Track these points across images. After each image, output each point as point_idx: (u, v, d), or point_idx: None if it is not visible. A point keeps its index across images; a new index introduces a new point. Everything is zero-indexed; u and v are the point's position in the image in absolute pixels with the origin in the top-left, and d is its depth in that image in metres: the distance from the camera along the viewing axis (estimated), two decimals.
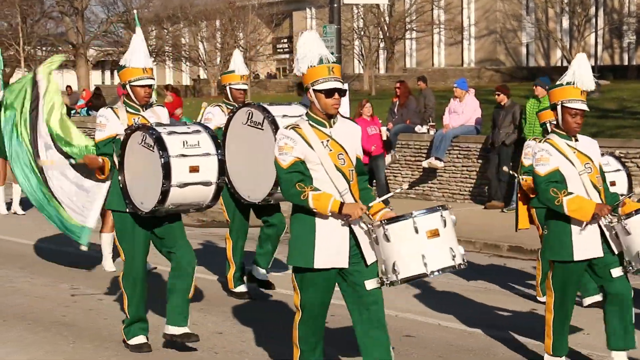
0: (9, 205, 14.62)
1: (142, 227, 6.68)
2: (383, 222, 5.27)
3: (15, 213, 14.41)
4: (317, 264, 5.32)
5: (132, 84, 6.73)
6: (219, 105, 8.76)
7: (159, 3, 49.16)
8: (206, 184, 6.43)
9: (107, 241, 9.84)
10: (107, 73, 61.74)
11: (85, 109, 28.38)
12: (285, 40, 57.61)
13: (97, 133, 6.82)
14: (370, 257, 5.38)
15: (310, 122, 5.39)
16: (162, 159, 6.17)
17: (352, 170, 5.41)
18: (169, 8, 48.55)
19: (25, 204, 14.52)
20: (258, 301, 8.69)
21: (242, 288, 8.74)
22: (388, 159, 15.54)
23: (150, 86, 6.78)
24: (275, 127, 7.37)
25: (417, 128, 16.92)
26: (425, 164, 16.01)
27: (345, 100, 14.50)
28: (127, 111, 6.79)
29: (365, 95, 37.06)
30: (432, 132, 16.40)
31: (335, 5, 15.07)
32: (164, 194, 6.22)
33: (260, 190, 7.90)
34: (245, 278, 8.84)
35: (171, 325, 6.65)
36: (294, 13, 55.87)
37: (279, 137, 5.40)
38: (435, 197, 16.34)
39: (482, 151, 15.44)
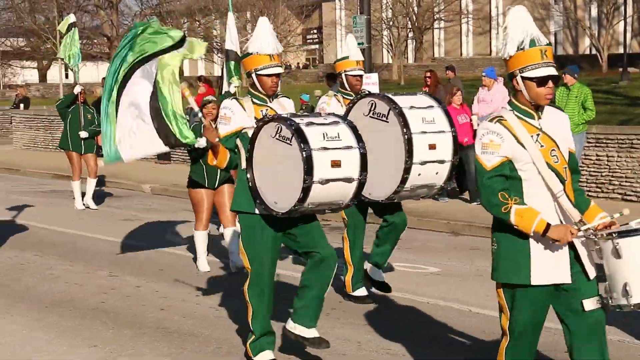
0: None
1: (273, 230, 5.96)
2: (613, 234, 4.45)
3: (88, 207, 14.29)
4: (535, 280, 4.52)
5: (258, 72, 6.04)
6: (335, 95, 8.04)
7: None
8: (348, 180, 5.69)
9: (201, 239, 9.43)
10: None
11: None
12: (315, 31, 57.56)
13: (221, 127, 6.07)
14: (592, 272, 4.60)
15: (516, 112, 4.57)
16: (304, 152, 5.45)
17: (565, 167, 4.60)
18: (201, 0, 48.64)
19: (98, 198, 14.78)
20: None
21: (361, 291, 8.07)
22: None
23: (278, 75, 6.08)
24: (402, 119, 6.56)
25: None
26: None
27: (375, 89, 14.50)
28: (253, 102, 6.11)
29: (394, 84, 36.97)
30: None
31: None
32: (305, 191, 5.50)
33: (383, 189, 6.92)
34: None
35: (299, 324, 6.00)
36: (324, 4, 55.77)
37: (482, 132, 4.54)
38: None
39: None
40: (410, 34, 46.81)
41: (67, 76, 45.92)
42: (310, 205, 5.61)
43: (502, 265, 4.59)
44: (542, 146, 4.52)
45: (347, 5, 51.39)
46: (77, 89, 13.97)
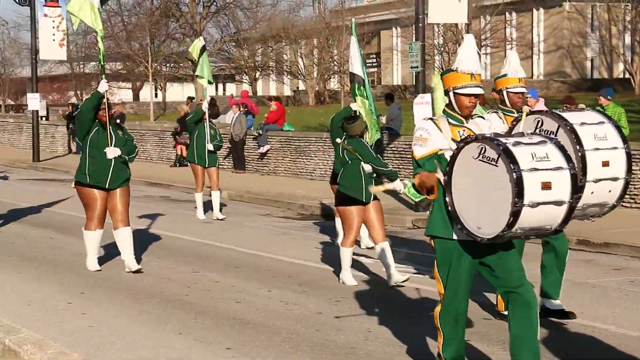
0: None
1: (470, 257, 5.19)
2: None
3: (217, 219, 13.70)
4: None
5: (456, 90, 5.30)
6: (496, 112, 7.05)
7: (265, 25, 49.54)
8: (558, 203, 4.84)
9: (347, 255, 8.67)
10: (220, 86, 62.57)
11: None
12: (374, 56, 57.43)
13: (417, 148, 5.29)
14: None
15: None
16: (514, 174, 4.68)
17: None
18: (274, 29, 48.90)
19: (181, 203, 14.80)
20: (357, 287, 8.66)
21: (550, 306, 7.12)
22: None
23: (477, 96, 5.31)
24: (575, 135, 5.67)
25: None
26: None
27: (428, 108, 14.38)
28: (450, 123, 5.30)
29: None
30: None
31: (420, 24, 14.92)
32: (515, 215, 4.72)
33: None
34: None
35: None
36: (382, 32, 55.65)
37: None
38: None
39: None
40: None
41: (156, 95, 46.53)
42: (518, 230, 4.82)
43: None
44: None
45: (403, 33, 51.21)
46: (204, 106, 13.74)
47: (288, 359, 6.08)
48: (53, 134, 31.09)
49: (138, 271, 9.04)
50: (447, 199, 5.07)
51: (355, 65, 10.80)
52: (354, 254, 8.91)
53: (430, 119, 5.42)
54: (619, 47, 44.37)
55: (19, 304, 7.57)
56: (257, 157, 21.98)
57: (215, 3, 46.93)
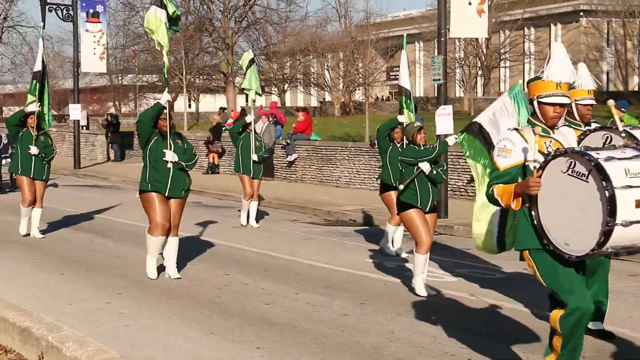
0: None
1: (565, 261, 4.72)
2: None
3: (251, 226, 13.43)
4: None
5: (540, 99, 4.90)
6: (568, 125, 6.26)
7: (293, 39, 49.64)
8: None
9: (421, 261, 8.28)
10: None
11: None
12: (397, 69, 57.40)
13: (501, 160, 4.90)
14: None
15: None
16: (606, 191, 4.29)
17: None
18: (302, 43, 48.98)
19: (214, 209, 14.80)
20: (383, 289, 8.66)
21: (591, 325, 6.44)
22: None
23: (562, 105, 4.90)
24: None
25: None
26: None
27: (450, 119, 14.35)
28: (535, 133, 4.81)
29: (465, 115, 36.58)
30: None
31: (442, 39, 14.89)
32: (606, 234, 4.33)
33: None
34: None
35: None
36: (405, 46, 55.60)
37: None
38: None
39: None
40: (480, 72, 46.34)
41: (190, 106, 46.76)
42: (609, 249, 4.44)
43: None
44: None
45: (425, 47, 51.15)
46: (248, 118, 13.62)
47: (315, 358, 6.09)
48: (93, 143, 31.39)
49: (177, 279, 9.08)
50: (533, 212, 4.72)
51: (404, 79, 10.74)
52: (379, 255, 8.89)
53: (515, 129, 5.05)
54: (634, 61, 44.04)
55: (61, 304, 7.65)
56: (285, 165, 22.03)
57: (246, 18, 47.10)
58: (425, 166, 8.32)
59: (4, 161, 18.28)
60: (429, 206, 8.41)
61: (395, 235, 10.66)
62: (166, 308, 7.60)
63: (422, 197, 8.35)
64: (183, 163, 8.90)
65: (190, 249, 11.14)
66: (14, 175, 12.66)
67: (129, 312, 7.37)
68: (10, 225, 13.12)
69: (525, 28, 48.43)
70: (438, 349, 6.32)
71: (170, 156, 8.75)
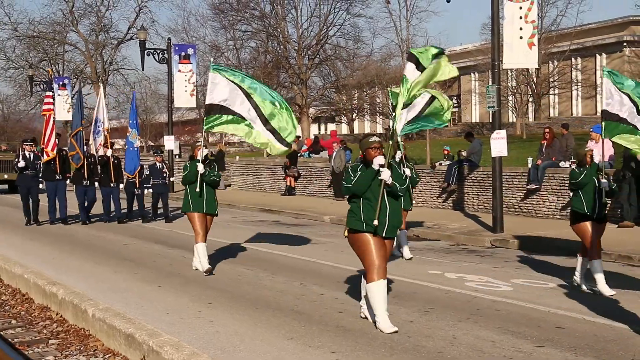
0: None
1: None
2: None
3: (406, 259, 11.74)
4: None
5: None
6: None
7: (361, 73, 49.76)
8: None
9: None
10: (322, 126, 63.06)
11: (307, 152, 29.14)
12: (455, 97, 56.87)
13: None
14: None
15: None
16: None
17: None
18: (368, 76, 49.07)
19: (289, 226, 14.85)
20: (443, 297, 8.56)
21: None
22: None
23: None
24: None
25: (561, 164, 16.28)
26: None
27: (504, 142, 14.16)
28: None
29: (518, 139, 35.96)
30: (573, 167, 15.69)
31: (496, 70, 14.74)
32: None
33: None
34: None
35: None
36: (462, 77, 55.09)
37: None
38: None
39: (614, 181, 14.61)
40: (530, 99, 45.57)
41: None
42: None
43: None
44: None
45: (480, 77, 50.58)
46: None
47: None
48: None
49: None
50: None
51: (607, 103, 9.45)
52: (440, 266, 8.78)
53: None
54: None
55: (160, 312, 7.79)
56: None
57: (318, 56, 47.51)
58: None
59: (146, 191, 17.94)
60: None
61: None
62: (251, 316, 7.65)
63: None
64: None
65: (270, 262, 11.23)
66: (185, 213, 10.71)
67: (218, 320, 7.45)
68: (111, 243, 13.48)
69: (572, 58, 47.50)
70: (497, 352, 6.21)
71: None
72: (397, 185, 6.94)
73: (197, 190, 10.21)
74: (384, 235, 6.92)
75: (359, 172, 6.94)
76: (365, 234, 6.90)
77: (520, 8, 13.96)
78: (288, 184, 24.62)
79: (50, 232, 15.66)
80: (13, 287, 10.29)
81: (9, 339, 7.54)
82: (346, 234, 7.13)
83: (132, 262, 11.37)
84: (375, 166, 6.86)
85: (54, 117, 18.24)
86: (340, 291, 8.97)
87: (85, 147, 17.20)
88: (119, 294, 8.79)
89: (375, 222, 6.85)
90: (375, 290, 6.85)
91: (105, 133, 17.19)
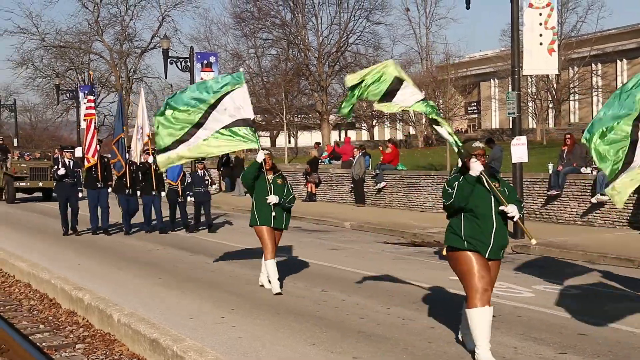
0: None
1: None
2: None
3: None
4: None
5: None
6: None
7: None
8: None
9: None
10: (342, 132, 63.10)
11: (328, 158, 29.17)
12: (475, 104, 56.65)
13: None
14: None
15: None
16: None
17: None
18: None
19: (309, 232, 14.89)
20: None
21: None
22: None
23: None
24: None
25: (582, 169, 16.14)
26: (594, 199, 15.34)
27: (524, 148, 14.08)
28: None
29: (538, 144, 35.74)
30: (594, 173, 15.59)
31: (516, 76, 14.67)
32: None
33: None
34: None
35: None
36: (482, 83, 54.90)
37: None
38: (598, 224, 15.46)
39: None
40: (550, 105, 45.26)
41: (289, 141, 47.43)
42: None
43: None
44: None
45: (500, 84, 50.36)
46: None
47: None
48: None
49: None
50: None
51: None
52: None
53: None
54: None
55: (183, 318, 7.82)
56: (375, 192, 22.01)
57: (338, 63, 47.57)
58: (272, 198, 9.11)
59: (189, 198, 16.84)
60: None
61: None
62: (273, 322, 7.66)
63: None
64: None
65: (292, 268, 11.23)
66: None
67: (240, 326, 7.46)
68: (134, 249, 13.56)
69: (593, 64, 47.11)
70: (519, 359, 6.17)
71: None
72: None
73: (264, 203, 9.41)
74: (487, 256, 6.03)
75: (459, 183, 6.00)
76: (467, 253, 6.02)
77: (540, 15, 13.90)
78: (309, 190, 24.65)
79: (76, 239, 15.77)
80: (41, 292, 10.40)
81: (37, 344, 7.62)
82: (444, 252, 6.36)
83: (155, 268, 11.43)
84: (475, 172, 5.98)
85: (95, 123, 16.86)
86: (361, 296, 8.96)
87: (127, 154, 16.16)
88: (142, 299, 8.84)
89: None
90: (477, 317, 5.94)
91: (146, 138, 15.96)
